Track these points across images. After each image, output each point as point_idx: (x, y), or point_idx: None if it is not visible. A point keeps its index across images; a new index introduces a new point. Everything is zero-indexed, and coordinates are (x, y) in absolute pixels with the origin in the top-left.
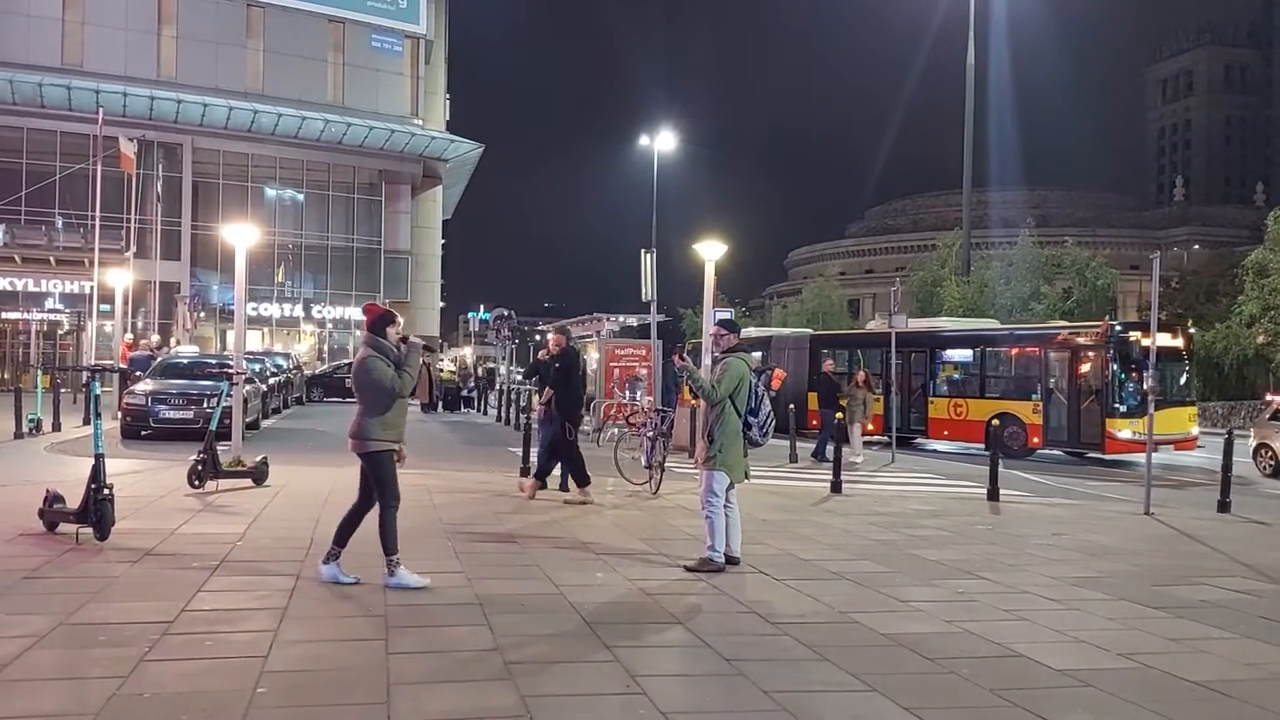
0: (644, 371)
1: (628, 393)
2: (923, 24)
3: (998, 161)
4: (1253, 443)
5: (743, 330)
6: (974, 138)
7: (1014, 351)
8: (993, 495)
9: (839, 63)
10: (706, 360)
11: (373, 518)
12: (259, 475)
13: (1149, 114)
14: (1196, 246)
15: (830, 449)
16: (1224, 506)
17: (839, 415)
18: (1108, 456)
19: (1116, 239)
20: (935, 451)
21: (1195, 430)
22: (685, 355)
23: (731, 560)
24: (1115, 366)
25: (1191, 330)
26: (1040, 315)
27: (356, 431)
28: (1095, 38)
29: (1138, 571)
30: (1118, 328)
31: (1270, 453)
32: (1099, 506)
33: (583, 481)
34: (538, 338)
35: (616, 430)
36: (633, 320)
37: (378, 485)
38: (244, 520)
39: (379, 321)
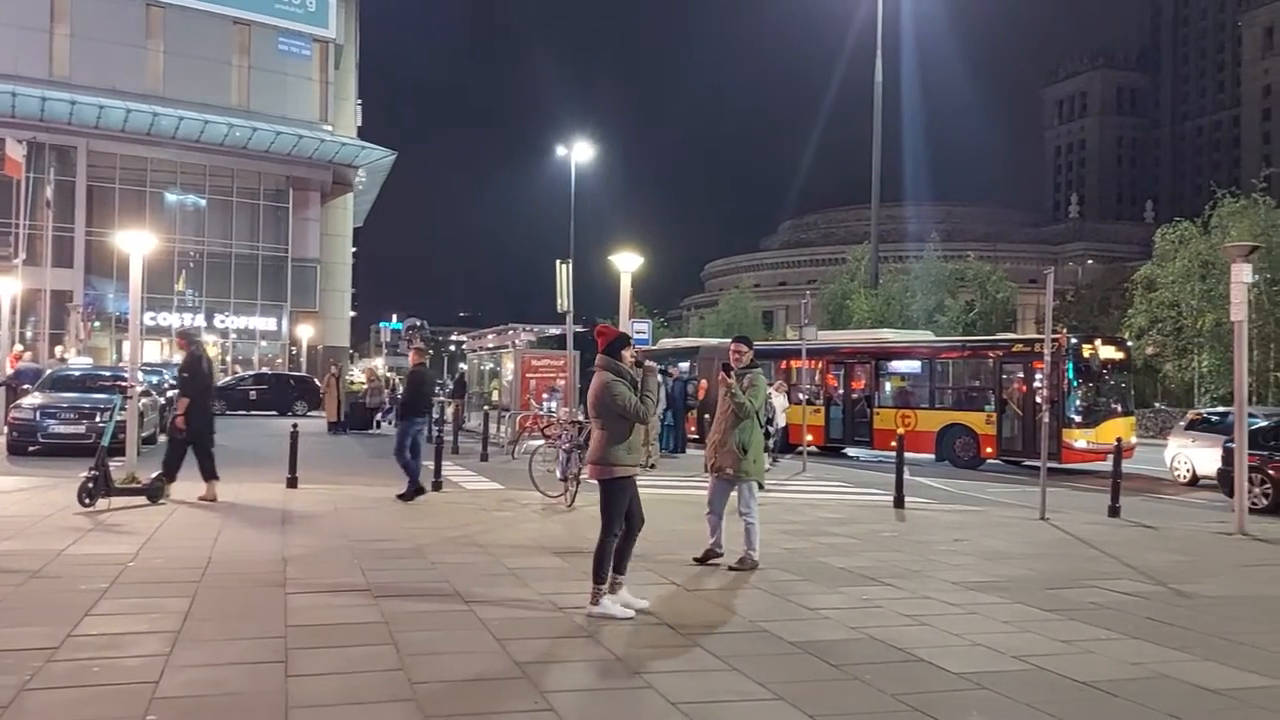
0: (561, 382)
1: (544, 404)
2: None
3: (910, 177)
4: (1170, 451)
5: (660, 341)
6: (885, 154)
7: (966, 363)
8: (899, 503)
9: (754, 78)
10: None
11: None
12: (154, 492)
13: (1047, 133)
14: (1090, 261)
15: None
16: (1114, 511)
17: None
18: (1063, 466)
19: (1016, 253)
20: (852, 459)
21: (1134, 439)
22: (731, 373)
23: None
24: (1071, 378)
25: (1130, 343)
26: (944, 327)
27: (601, 457)
28: (998, 60)
29: (1033, 575)
30: (1074, 340)
31: (1187, 461)
32: (998, 512)
33: (169, 478)
34: (453, 348)
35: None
36: (555, 330)
37: (605, 511)
38: (137, 540)
39: (615, 344)
